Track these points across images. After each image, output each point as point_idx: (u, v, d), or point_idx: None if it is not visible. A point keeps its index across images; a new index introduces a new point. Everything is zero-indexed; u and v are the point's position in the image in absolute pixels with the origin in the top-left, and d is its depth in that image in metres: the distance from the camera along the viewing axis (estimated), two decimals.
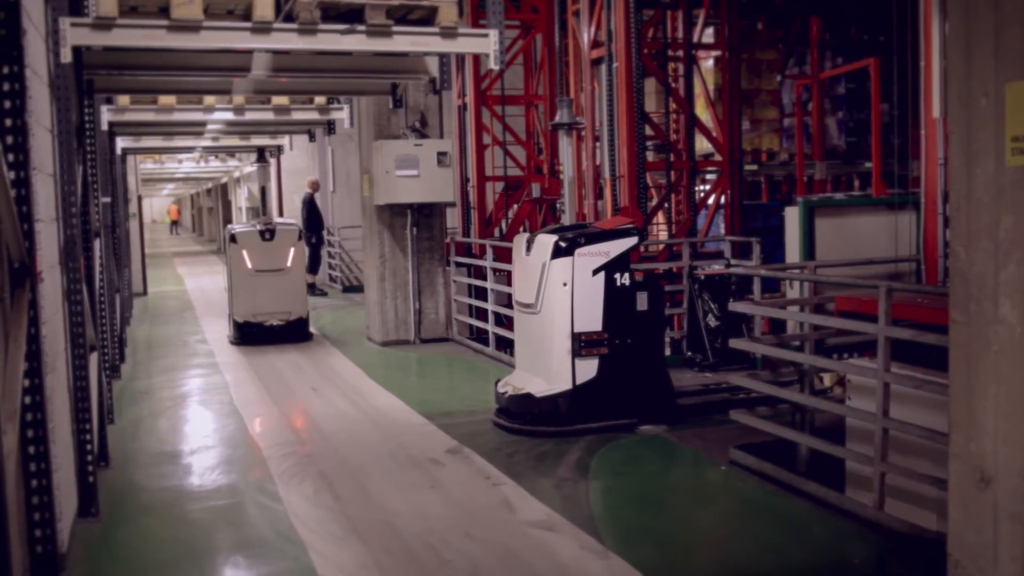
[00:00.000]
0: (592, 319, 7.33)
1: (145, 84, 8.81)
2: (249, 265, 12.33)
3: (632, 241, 7.47)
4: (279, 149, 17.05)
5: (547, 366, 7.48)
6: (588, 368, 7.36)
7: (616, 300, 7.39)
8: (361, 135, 12.49)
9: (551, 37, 12.59)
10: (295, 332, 12.48)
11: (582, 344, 7.31)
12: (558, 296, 7.33)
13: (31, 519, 4.30)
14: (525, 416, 7.51)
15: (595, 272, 7.32)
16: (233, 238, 12.51)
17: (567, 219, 8.12)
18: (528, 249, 7.75)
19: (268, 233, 12.44)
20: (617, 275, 7.38)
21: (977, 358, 3.10)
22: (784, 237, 8.58)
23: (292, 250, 12.53)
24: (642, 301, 7.48)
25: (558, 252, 7.34)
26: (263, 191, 13.84)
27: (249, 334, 12.28)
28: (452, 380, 10.23)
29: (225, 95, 9.82)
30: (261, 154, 14.12)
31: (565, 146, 8.09)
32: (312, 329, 13.18)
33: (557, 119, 8.03)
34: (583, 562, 4.97)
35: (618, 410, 7.42)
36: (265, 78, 7.74)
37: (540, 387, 7.49)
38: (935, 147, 6.78)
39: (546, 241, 7.48)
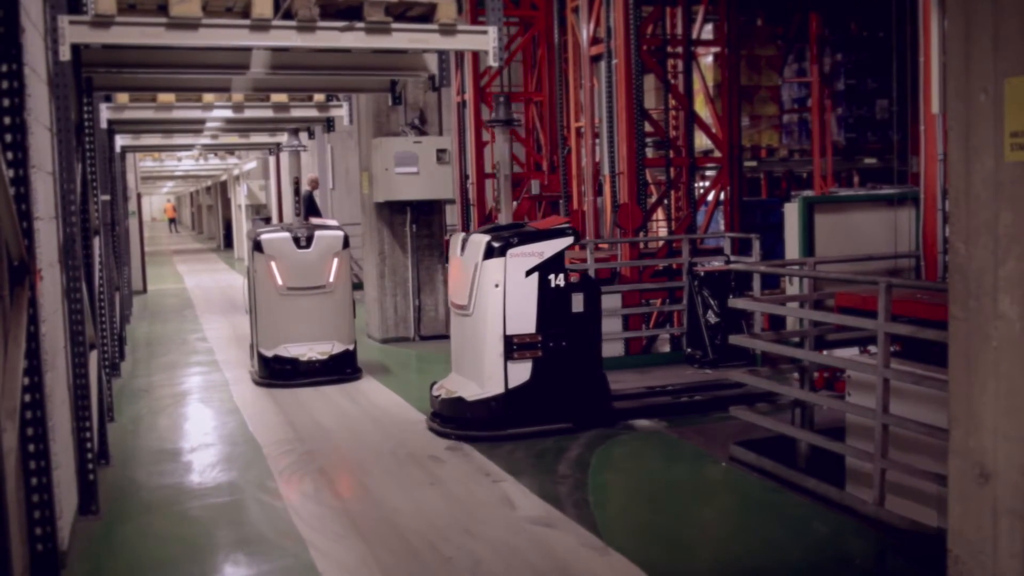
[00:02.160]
0: (525, 321, 7.16)
1: (144, 82, 8.79)
2: (280, 282, 9.58)
3: (567, 241, 7.26)
4: (278, 147, 17.03)
5: (479, 369, 7.28)
6: (521, 371, 7.19)
7: (550, 301, 7.20)
8: (360, 132, 12.49)
9: (550, 34, 12.59)
10: (339, 368, 9.70)
11: (514, 347, 7.14)
12: (490, 297, 7.14)
13: (31, 517, 4.30)
14: (457, 420, 7.32)
15: (528, 273, 7.14)
16: (258, 245, 9.64)
17: (503, 218, 7.86)
18: (463, 249, 7.54)
19: (305, 239, 9.68)
20: (551, 276, 7.19)
21: (977, 354, 3.10)
22: (784, 233, 8.58)
23: (335, 262, 9.76)
24: (577, 302, 7.28)
25: (490, 252, 7.15)
26: (296, 183, 10.56)
27: (280, 371, 9.53)
28: None
29: (224, 93, 9.80)
30: (296, 134, 11.09)
31: (501, 143, 7.85)
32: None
33: (492, 115, 7.76)
34: (583, 558, 4.97)
35: (553, 414, 7.27)
36: (264, 76, 7.73)
37: (472, 391, 7.29)
38: (934, 143, 6.78)
39: (479, 241, 7.29)
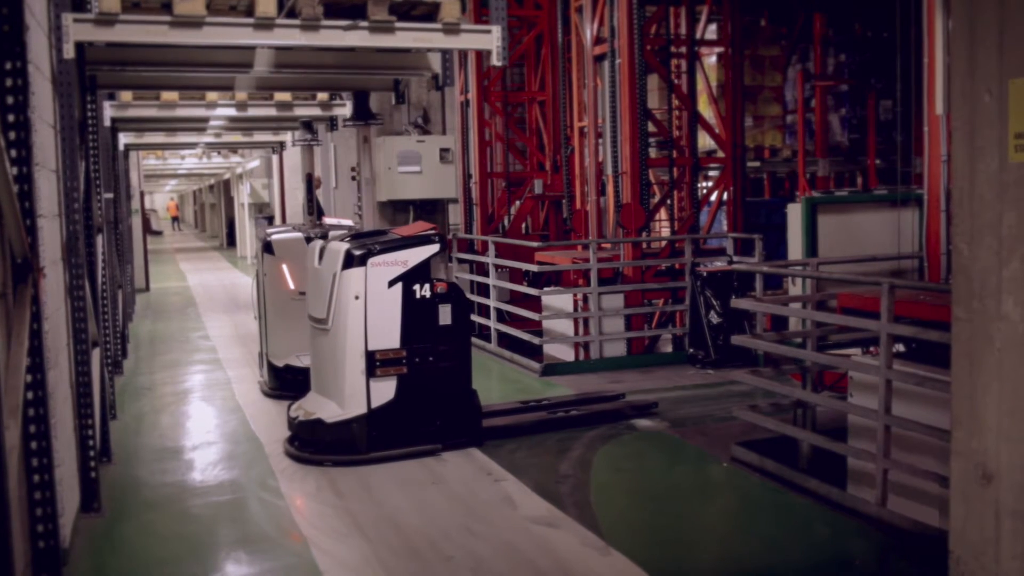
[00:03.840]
0: (389, 335, 6.68)
1: (148, 80, 8.79)
2: (292, 286, 9.08)
3: (433, 249, 6.81)
4: (281, 145, 17.05)
5: (340, 388, 6.75)
6: (385, 390, 6.69)
7: (416, 314, 6.73)
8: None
9: (554, 33, 12.59)
10: None
11: (377, 363, 6.64)
12: (350, 310, 6.64)
13: (33, 514, 4.30)
14: (317, 444, 6.79)
15: (391, 283, 6.68)
16: (268, 247, 9.17)
17: (367, 224, 7.18)
18: (320, 258, 7.06)
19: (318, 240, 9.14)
20: (416, 286, 6.74)
21: (980, 355, 3.10)
22: (787, 234, 8.58)
23: None
24: (445, 314, 6.82)
25: (349, 262, 6.65)
26: (309, 179, 9.81)
27: (292, 382, 8.79)
28: None
29: (228, 91, 9.80)
30: (309, 127, 10.13)
31: (360, 144, 7.25)
32: None
33: (350, 115, 7.09)
34: (584, 558, 4.97)
35: (420, 435, 6.80)
36: (268, 74, 7.73)
37: (332, 412, 6.77)
38: (938, 144, 6.78)
39: (337, 249, 6.80)
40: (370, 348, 6.65)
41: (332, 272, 6.76)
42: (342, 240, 6.94)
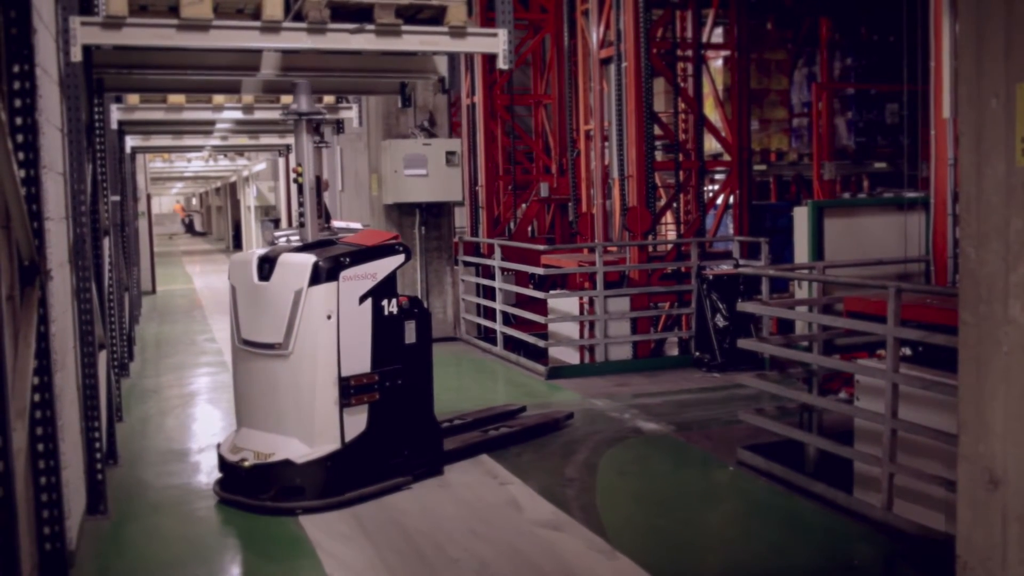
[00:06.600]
0: (360, 358, 5.96)
1: (154, 83, 8.81)
2: None
3: (400, 259, 6.17)
4: (288, 148, 17.08)
5: (306, 422, 5.90)
6: (358, 420, 5.96)
7: (384, 333, 6.06)
8: (370, 134, 12.51)
9: (560, 37, 12.61)
10: None
11: (351, 391, 5.90)
12: (320, 332, 5.82)
13: (40, 516, 4.31)
14: (278, 488, 5.83)
15: (362, 299, 5.96)
16: None
17: (309, 233, 6.55)
18: (264, 273, 6.06)
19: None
20: (384, 302, 6.07)
21: (987, 359, 3.09)
22: (793, 237, 8.57)
23: None
24: (411, 332, 6.23)
25: (318, 276, 5.82)
26: (316, 182, 9.63)
27: None
28: (460, 380, 10.23)
29: (234, 94, 9.83)
30: (316, 130, 9.97)
31: (304, 143, 6.65)
32: None
33: (293, 107, 6.59)
34: (590, 561, 4.97)
35: (390, 468, 6.15)
36: (274, 77, 7.74)
37: (299, 451, 5.86)
38: (945, 148, 6.76)
39: (299, 262, 5.92)
40: (344, 374, 5.91)
41: (294, 289, 5.89)
42: (295, 252, 6.12)
